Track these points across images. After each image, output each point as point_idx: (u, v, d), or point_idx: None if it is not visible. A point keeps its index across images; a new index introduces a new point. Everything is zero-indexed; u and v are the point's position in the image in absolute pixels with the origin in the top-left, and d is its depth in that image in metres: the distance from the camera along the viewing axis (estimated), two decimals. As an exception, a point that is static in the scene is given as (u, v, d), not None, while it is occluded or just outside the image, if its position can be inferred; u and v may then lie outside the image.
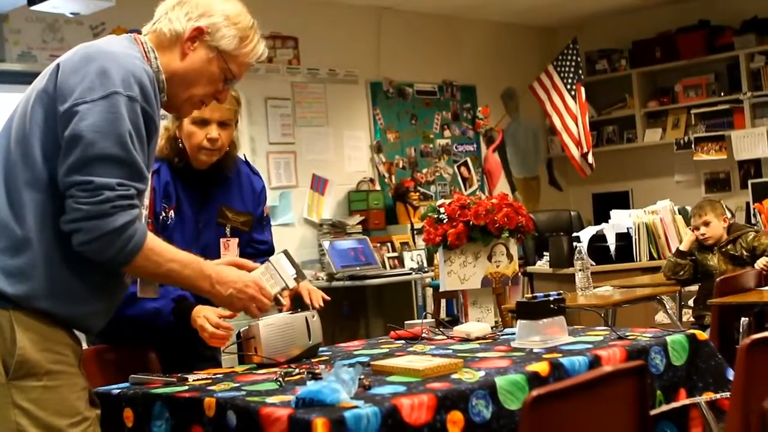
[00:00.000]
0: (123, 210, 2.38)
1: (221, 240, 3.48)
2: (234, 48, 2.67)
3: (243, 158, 3.68)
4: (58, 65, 2.49)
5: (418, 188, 9.61)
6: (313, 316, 3.23)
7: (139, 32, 2.66)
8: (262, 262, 3.60)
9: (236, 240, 3.51)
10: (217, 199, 3.50)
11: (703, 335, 3.14)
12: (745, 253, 5.89)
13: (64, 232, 2.41)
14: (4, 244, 2.42)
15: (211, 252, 3.42)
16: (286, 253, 3.11)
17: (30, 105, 2.48)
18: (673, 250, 6.50)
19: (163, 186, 3.38)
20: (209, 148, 3.39)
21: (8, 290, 2.39)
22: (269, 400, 2.42)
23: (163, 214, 3.35)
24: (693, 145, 10.29)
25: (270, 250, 3.66)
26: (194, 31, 2.62)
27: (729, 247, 5.96)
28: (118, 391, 2.79)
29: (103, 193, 2.35)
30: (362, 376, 2.49)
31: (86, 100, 2.38)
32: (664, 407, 2.97)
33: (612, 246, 7.47)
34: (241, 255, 3.51)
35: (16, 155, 2.46)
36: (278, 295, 2.93)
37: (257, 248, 3.63)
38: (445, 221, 5.74)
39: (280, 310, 3.11)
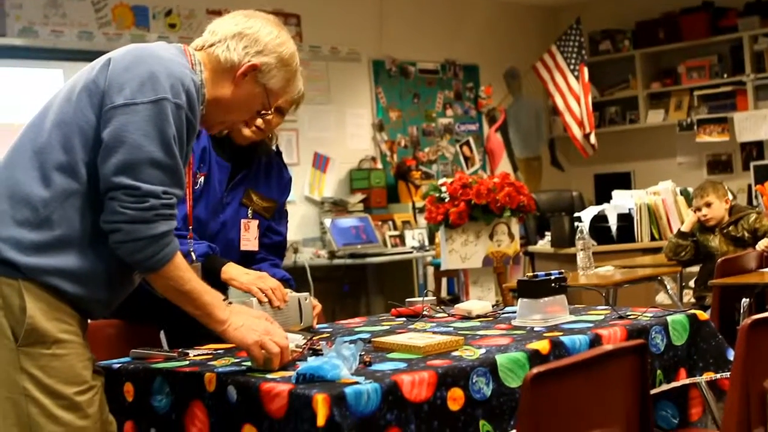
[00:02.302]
0: (164, 219, 2.45)
1: (242, 221, 3.47)
2: (279, 88, 2.73)
3: (277, 149, 3.69)
4: (109, 60, 2.53)
5: (420, 167, 9.60)
6: (306, 299, 3.23)
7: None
8: (273, 256, 3.60)
9: (257, 222, 3.51)
10: (245, 179, 3.50)
11: (703, 315, 3.14)
12: (746, 234, 5.89)
13: (87, 218, 2.47)
14: (24, 218, 2.45)
15: (229, 229, 3.45)
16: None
17: (76, 93, 2.52)
18: (675, 231, 6.50)
19: (201, 150, 3.38)
20: (261, 128, 3.41)
21: (20, 260, 2.42)
22: (270, 375, 2.43)
23: (195, 177, 3.36)
24: (695, 127, 10.28)
25: (283, 243, 3.68)
26: (249, 67, 2.65)
27: (730, 228, 5.96)
28: (119, 365, 2.79)
29: (148, 201, 2.41)
30: (363, 353, 2.50)
31: (135, 101, 2.43)
32: (664, 387, 2.97)
33: (613, 226, 7.47)
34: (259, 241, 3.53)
35: (55, 138, 2.49)
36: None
37: (272, 238, 3.62)
38: (446, 200, 5.75)
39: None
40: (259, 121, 3.36)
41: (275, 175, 3.62)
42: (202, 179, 3.38)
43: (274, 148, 3.68)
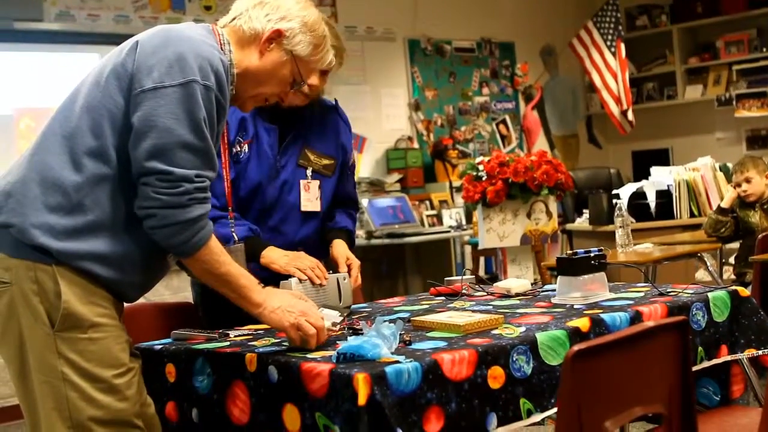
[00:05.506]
0: (198, 203, 2.45)
1: (301, 182, 3.41)
2: (307, 54, 2.71)
3: (334, 102, 3.64)
4: (137, 42, 2.53)
5: (457, 146, 9.58)
6: (345, 279, 3.22)
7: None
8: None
9: (317, 182, 3.44)
10: (299, 139, 3.43)
11: (745, 291, 3.11)
12: (787, 210, 5.84)
13: (119, 203, 2.49)
14: (56, 203, 2.46)
15: (289, 190, 3.38)
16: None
17: (104, 77, 2.52)
18: (714, 207, 6.45)
19: (239, 119, 3.35)
20: (307, 94, 3.30)
21: (54, 246, 2.44)
22: (310, 355, 2.44)
23: (237, 148, 3.34)
24: (734, 102, 10.19)
25: (348, 203, 3.62)
26: (273, 33, 2.65)
27: (771, 204, 5.91)
28: (161, 346, 2.81)
29: (182, 185, 2.42)
30: (403, 332, 2.50)
31: (165, 84, 2.43)
32: (706, 363, 2.95)
33: (652, 203, 7.42)
34: (327, 206, 3.49)
35: (84, 123, 2.49)
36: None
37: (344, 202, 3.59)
38: (484, 179, 5.74)
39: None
40: (306, 88, 3.05)
41: (331, 130, 3.54)
42: (246, 146, 3.35)
43: (332, 101, 3.60)
